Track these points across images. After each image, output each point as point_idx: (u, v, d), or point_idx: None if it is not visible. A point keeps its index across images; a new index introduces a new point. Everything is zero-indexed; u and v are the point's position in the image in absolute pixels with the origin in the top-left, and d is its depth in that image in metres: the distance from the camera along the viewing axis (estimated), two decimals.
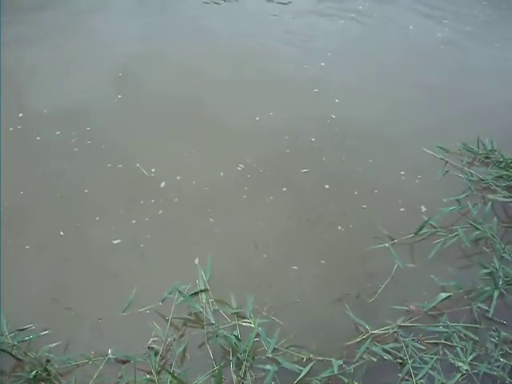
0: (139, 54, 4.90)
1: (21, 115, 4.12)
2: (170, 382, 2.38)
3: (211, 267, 2.90)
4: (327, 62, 4.82)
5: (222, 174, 3.57)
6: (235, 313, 2.69)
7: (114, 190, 3.46)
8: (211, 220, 3.25)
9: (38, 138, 3.88)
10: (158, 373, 2.46)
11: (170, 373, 2.28)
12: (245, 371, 2.43)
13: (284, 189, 3.45)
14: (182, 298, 2.73)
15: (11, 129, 3.95)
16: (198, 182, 3.51)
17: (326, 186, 3.46)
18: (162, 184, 3.49)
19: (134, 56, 4.86)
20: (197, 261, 2.97)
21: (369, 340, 2.57)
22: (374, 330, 2.63)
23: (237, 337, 2.53)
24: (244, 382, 2.40)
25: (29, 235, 3.16)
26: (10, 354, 2.52)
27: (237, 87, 4.48)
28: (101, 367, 2.50)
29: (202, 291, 2.78)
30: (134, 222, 3.24)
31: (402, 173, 3.56)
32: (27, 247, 3.08)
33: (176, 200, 3.38)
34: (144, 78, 4.59)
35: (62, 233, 3.18)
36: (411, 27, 5.43)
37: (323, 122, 4.04)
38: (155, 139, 3.89)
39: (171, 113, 4.16)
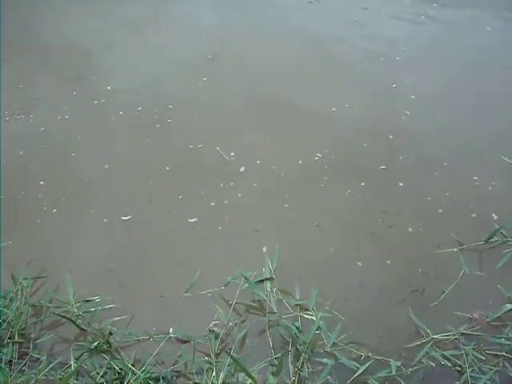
0: (226, 41, 4.95)
1: (109, 88, 4.27)
2: (228, 365, 2.42)
3: (279, 256, 2.94)
4: (402, 56, 4.74)
5: (300, 161, 3.61)
6: (298, 304, 2.73)
7: (195, 170, 3.57)
8: (286, 206, 3.31)
9: (121, 112, 4.02)
10: (217, 355, 2.53)
11: (230, 356, 2.34)
12: (302, 363, 2.48)
13: (362, 183, 3.46)
14: (247, 284, 2.79)
15: (95, 102, 4.10)
16: (278, 168, 3.56)
17: (401, 184, 3.45)
18: (242, 168, 3.56)
19: (222, 43, 4.92)
20: (265, 249, 3.02)
21: (429, 344, 2.56)
22: (435, 334, 2.62)
23: (298, 328, 2.57)
24: (301, 373, 2.44)
25: (109, 207, 3.30)
26: (75, 324, 2.62)
27: (313, 78, 4.48)
28: (161, 345, 2.58)
29: (267, 279, 2.83)
30: (212, 204, 3.32)
31: (475, 178, 3.48)
32: (105, 220, 3.22)
33: (255, 185, 3.45)
34: (230, 64, 4.64)
35: (140, 206, 3.30)
36: (488, 29, 5.24)
37: (398, 117, 4.00)
38: (235, 124, 3.96)
39: (252, 100, 4.20)
